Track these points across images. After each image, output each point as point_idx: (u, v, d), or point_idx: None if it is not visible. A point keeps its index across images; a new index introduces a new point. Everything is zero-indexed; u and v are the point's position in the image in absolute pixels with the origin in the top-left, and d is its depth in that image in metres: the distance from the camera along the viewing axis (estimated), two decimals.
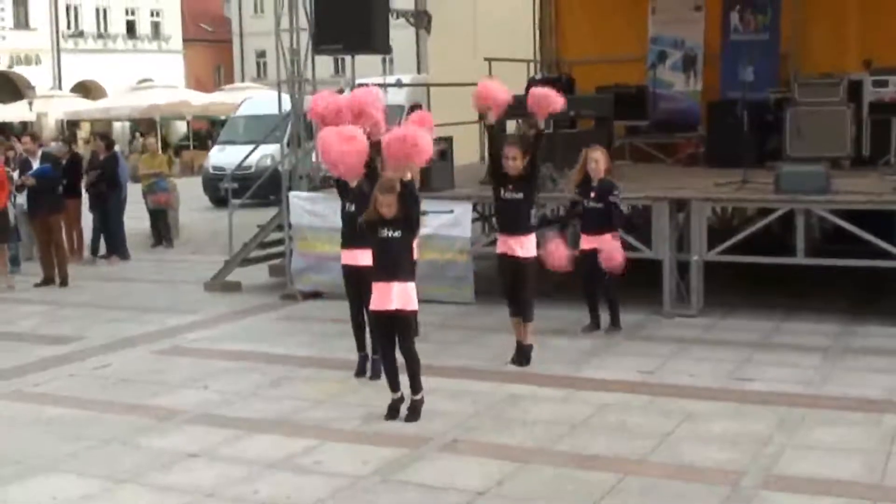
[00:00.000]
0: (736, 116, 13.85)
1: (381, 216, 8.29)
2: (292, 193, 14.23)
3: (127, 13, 60.13)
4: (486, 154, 11.94)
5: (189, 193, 25.36)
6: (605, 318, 11.38)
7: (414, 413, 8.47)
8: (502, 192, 10.00)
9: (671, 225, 12.16)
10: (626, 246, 12.24)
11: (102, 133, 24.24)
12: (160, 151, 23.61)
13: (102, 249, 18.49)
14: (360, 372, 9.78)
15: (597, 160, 11.06)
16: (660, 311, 12.12)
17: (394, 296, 8.32)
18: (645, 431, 8.05)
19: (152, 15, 61.26)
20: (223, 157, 28.36)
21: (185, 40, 63.01)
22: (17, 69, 53.45)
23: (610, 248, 10.82)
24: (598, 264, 10.91)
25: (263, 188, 16.02)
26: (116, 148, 20.12)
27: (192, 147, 47.05)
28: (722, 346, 10.76)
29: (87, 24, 57.53)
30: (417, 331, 10.34)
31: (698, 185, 13.01)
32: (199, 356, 11.03)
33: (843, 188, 12.00)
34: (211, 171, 28.85)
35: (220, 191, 24.18)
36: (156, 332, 12.31)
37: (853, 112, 14.81)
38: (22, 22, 53.93)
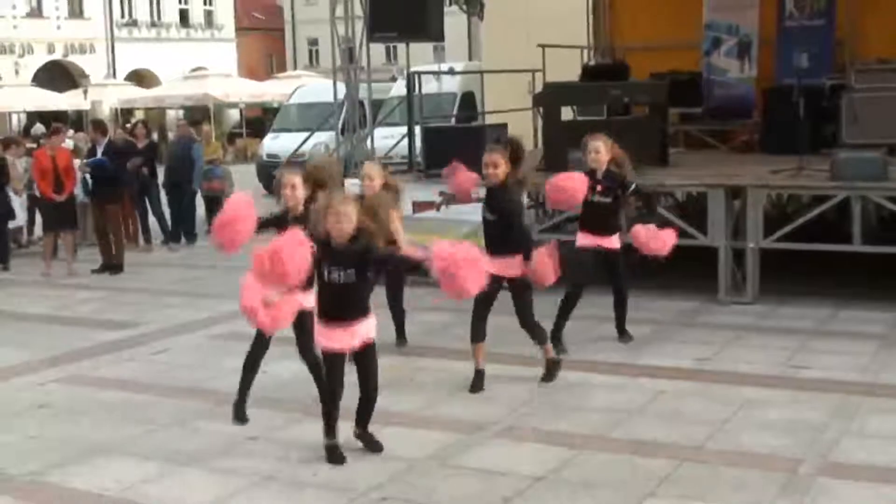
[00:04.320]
0: (791, 103, 13.73)
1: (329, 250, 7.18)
2: (348, 180, 14.29)
3: (180, 2, 60.49)
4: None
5: (243, 181, 25.50)
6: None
7: (374, 444, 7.63)
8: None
9: (727, 212, 12.12)
10: (682, 233, 12.23)
11: (143, 120, 24.40)
12: (213, 139, 23.78)
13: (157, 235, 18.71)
14: None
15: (597, 150, 9.95)
16: (715, 298, 12.10)
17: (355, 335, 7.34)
18: (701, 418, 8.05)
19: (205, 3, 61.57)
20: (277, 144, 28.49)
21: (237, 29, 63.32)
22: (72, 58, 53.95)
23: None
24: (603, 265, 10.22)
25: None
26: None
27: (244, 135, 47.34)
28: (778, 334, 10.72)
29: (141, 13, 57.91)
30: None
31: (754, 173, 12.94)
32: None
33: None
34: (265, 158, 29.01)
35: (274, 178, 24.32)
36: (212, 317, 12.44)
37: None
38: (76, 11, 54.40)
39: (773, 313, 11.64)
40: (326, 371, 7.45)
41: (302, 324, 8.01)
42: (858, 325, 10.98)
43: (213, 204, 20.48)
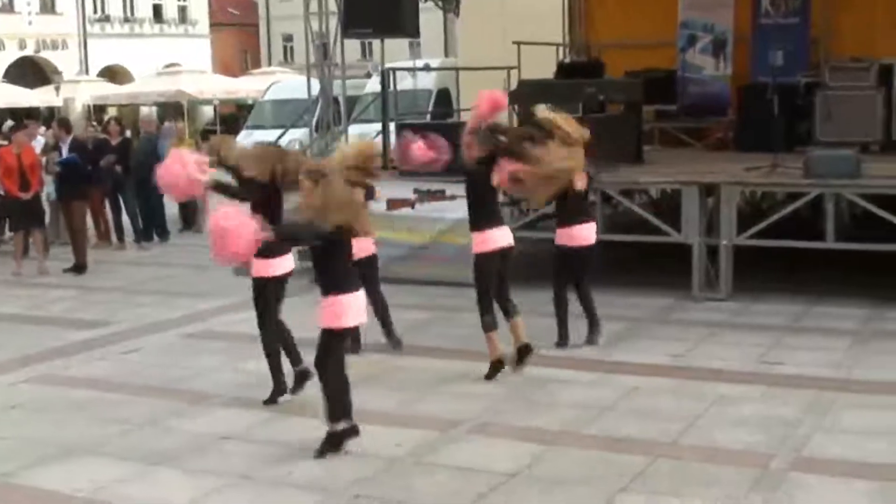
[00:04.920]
0: (766, 100, 13.79)
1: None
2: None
3: None
4: None
5: (217, 178, 25.40)
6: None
7: (329, 445, 7.44)
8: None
9: (701, 209, 12.15)
10: (656, 230, 12.28)
11: (116, 117, 24.23)
12: (187, 136, 23.65)
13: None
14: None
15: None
16: (689, 295, 12.13)
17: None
18: (675, 415, 8.08)
19: None
20: (251, 141, 28.31)
21: (211, 24, 63.03)
22: (44, 54, 53.61)
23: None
24: (571, 261, 10.24)
25: None
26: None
27: (218, 131, 47.17)
28: (751, 330, 10.76)
29: (114, 8, 57.57)
30: (397, 342, 10.36)
31: (728, 170, 12.99)
32: (230, 340, 11.08)
33: (873, 172, 11.97)
34: None
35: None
36: (186, 316, 12.40)
37: (884, 96, 14.74)
38: (48, 6, 54.04)
39: (747, 310, 11.68)
40: None
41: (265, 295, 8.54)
42: (832, 321, 11.03)
43: (187, 201, 20.43)
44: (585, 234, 10.16)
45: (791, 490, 6.56)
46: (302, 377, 8.70)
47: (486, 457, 7.33)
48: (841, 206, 12.48)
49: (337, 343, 7.46)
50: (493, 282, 9.26)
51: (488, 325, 9.20)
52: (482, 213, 9.25)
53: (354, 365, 9.60)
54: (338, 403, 7.41)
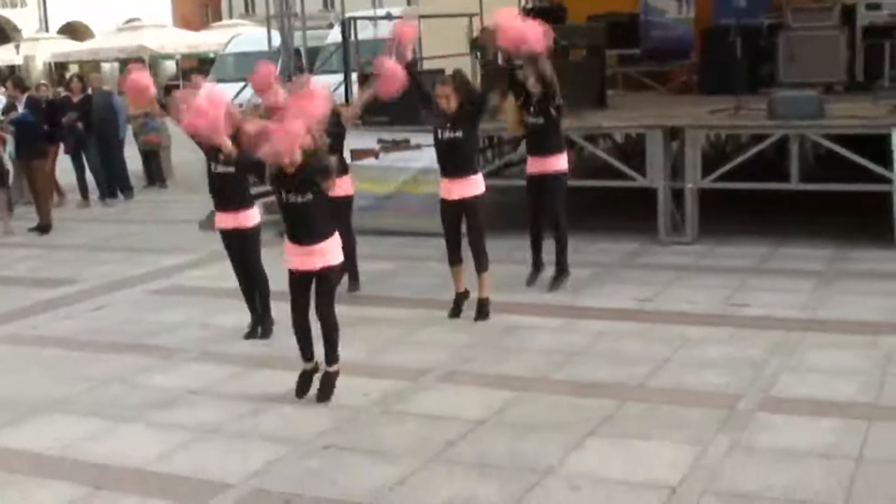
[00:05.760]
0: (729, 43, 13.76)
1: (283, 175, 7.40)
2: None
3: None
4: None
5: (181, 133, 25.24)
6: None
7: (327, 388, 7.59)
8: (439, 132, 9.42)
9: (665, 153, 12.15)
10: (621, 174, 12.28)
11: (78, 74, 23.96)
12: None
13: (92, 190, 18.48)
14: (250, 334, 9.31)
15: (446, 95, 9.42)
16: (655, 239, 12.15)
17: (316, 255, 7.49)
18: (643, 358, 8.11)
19: None
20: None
21: None
22: (3, 12, 52.97)
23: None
24: (544, 193, 10.29)
25: None
26: (107, 88, 19.99)
27: (181, 86, 46.76)
28: (717, 273, 10.79)
29: None
30: (358, 286, 10.49)
31: (692, 113, 12.98)
32: (197, 295, 11.05)
33: (836, 113, 11.98)
34: None
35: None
36: (152, 272, 12.33)
37: (847, 37, 14.74)
38: None
39: (713, 253, 11.72)
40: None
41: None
42: (797, 262, 11.07)
43: (151, 157, 20.32)
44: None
45: (758, 430, 6.60)
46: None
47: (456, 405, 7.34)
48: (805, 147, 12.51)
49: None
50: (452, 229, 9.53)
51: (450, 263, 9.60)
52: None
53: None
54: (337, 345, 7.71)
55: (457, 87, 9.30)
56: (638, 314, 9.42)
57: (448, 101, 9.26)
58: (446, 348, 8.65)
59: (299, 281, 7.57)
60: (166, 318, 10.12)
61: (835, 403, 6.98)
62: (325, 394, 7.57)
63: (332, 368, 7.65)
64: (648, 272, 10.96)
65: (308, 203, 7.37)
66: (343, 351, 7.77)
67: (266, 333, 9.22)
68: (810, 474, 5.89)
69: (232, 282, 9.50)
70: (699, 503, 5.61)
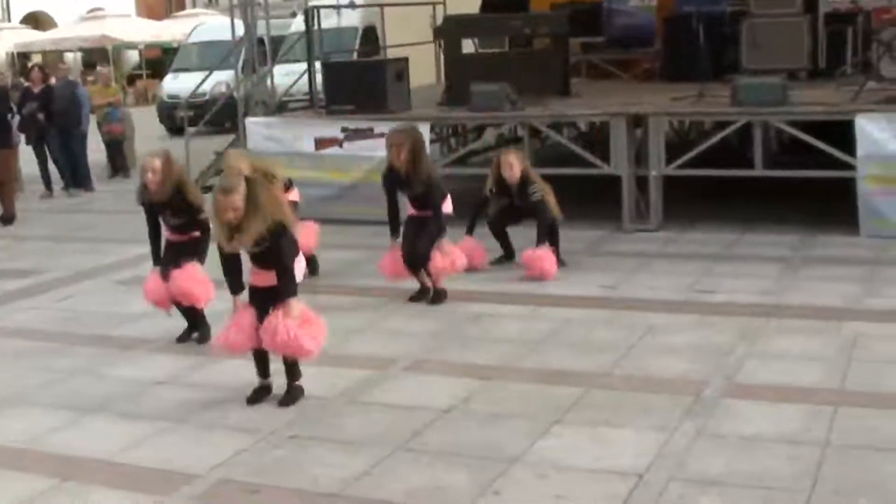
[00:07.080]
0: (692, 30, 13.83)
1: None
2: (249, 119, 14.15)
3: None
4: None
5: (144, 123, 25.11)
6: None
7: (290, 400, 7.30)
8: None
9: (629, 141, 12.18)
10: (585, 162, 12.31)
11: (39, 64, 23.78)
12: (113, 81, 23.30)
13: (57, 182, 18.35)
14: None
15: (511, 164, 10.34)
16: (620, 226, 12.20)
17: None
18: (608, 345, 8.13)
19: None
20: (177, 84, 28.05)
21: None
22: None
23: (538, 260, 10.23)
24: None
25: (219, 115, 15.89)
26: (71, 78, 19.86)
27: (144, 76, 46.52)
28: (682, 260, 10.85)
29: None
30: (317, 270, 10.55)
31: (655, 101, 13.03)
32: None
33: (799, 99, 12.06)
34: (165, 99, 28.58)
35: (176, 119, 24.01)
36: (117, 262, 12.27)
37: (809, 23, 14.82)
38: None
39: (678, 239, 11.77)
40: None
41: None
42: (761, 248, 11.14)
43: (114, 147, 20.20)
44: None
45: (724, 416, 6.63)
46: None
47: (422, 394, 7.34)
48: (769, 133, 12.58)
49: None
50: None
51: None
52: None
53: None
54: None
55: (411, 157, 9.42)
56: (603, 301, 9.45)
57: (399, 155, 9.43)
58: (412, 337, 8.65)
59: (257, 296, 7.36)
60: (132, 308, 10.06)
61: (800, 389, 7.02)
62: (289, 402, 7.31)
63: (297, 382, 7.42)
64: (613, 259, 11.00)
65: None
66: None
67: (202, 339, 8.92)
68: (777, 460, 5.91)
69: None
70: (666, 490, 5.63)
